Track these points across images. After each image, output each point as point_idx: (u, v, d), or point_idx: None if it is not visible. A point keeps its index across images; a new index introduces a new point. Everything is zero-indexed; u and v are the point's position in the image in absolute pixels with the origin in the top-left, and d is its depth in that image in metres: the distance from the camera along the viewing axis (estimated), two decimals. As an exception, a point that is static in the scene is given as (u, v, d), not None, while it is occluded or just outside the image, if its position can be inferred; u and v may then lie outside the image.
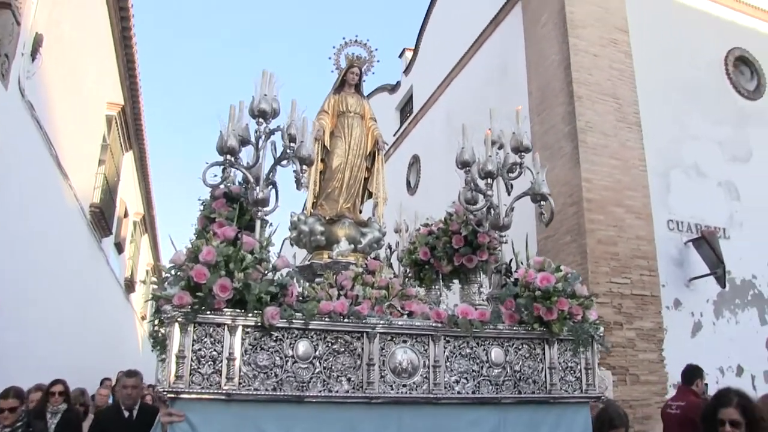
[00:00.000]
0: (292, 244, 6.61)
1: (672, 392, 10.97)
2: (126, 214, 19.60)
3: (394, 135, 22.33)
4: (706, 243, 12.57)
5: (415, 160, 20.57)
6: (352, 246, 6.49)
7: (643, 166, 12.85)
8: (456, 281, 6.57)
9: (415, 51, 22.17)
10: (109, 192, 16.28)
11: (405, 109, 22.58)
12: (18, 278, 9.71)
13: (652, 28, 14.12)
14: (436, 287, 6.52)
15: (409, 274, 6.77)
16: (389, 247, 7.51)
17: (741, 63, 15.31)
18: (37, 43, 9.36)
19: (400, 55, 24.71)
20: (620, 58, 13.43)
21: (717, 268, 12.36)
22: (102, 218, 15.32)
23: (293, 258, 6.57)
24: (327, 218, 6.74)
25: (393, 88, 23.79)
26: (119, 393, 8.57)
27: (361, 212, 7.22)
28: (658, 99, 13.63)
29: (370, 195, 7.30)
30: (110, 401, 10.30)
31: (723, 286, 12.59)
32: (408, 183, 20.57)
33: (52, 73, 10.26)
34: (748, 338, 13.04)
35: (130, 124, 17.78)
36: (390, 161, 21.22)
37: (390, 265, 7.13)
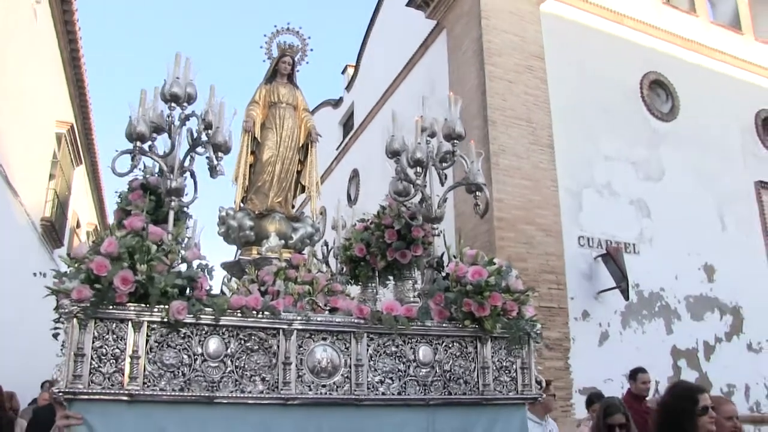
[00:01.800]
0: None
1: (577, 397, 12.84)
2: (78, 225, 21.11)
3: (337, 149, 23.87)
4: (612, 259, 14.00)
5: (355, 174, 21.72)
6: (283, 242, 6.71)
7: (554, 186, 14.26)
8: (392, 278, 6.70)
9: (356, 68, 23.49)
10: (60, 205, 17.74)
11: (347, 123, 23.82)
12: None
13: (568, 54, 15.57)
14: (372, 284, 6.64)
15: (345, 272, 6.91)
16: (326, 244, 7.64)
17: (657, 86, 16.68)
18: None
19: (343, 71, 26.32)
20: (535, 84, 14.84)
21: (621, 282, 13.76)
22: (53, 230, 16.61)
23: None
24: (257, 213, 6.96)
25: (336, 103, 25.27)
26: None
27: (293, 207, 7.43)
28: (573, 122, 15.08)
29: (304, 189, 7.50)
30: None
31: (626, 298, 13.99)
32: (348, 196, 21.72)
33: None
34: (655, 346, 14.53)
35: (80, 140, 19.33)
36: (333, 175, 23.56)
37: (327, 263, 7.29)
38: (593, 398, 9.48)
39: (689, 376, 14.45)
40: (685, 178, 16.18)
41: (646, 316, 14.77)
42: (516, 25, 15.00)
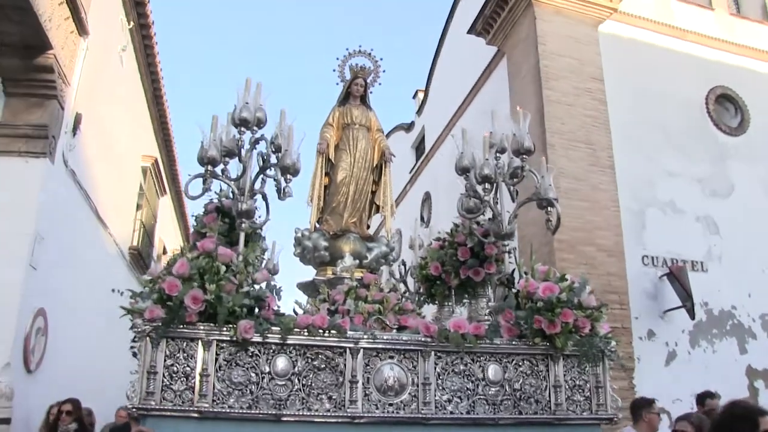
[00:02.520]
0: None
1: None
2: (165, 251, 21.20)
3: (410, 172, 23.35)
4: (675, 278, 13.35)
5: (427, 197, 21.31)
6: (357, 261, 6.49)
7: (616, 206, 13.60)
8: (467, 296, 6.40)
9: (426, 93, 23.08)
10: (147, 234, 18.25)
11: (419, 147, 23.38)
12: (67, 316, 11.13)
13: (628, 73, 14.91)
14: (449, 303, 6.38)
15: (421, 291, 6.67)
16: (404, 263, 7.38)
17: (724, 100, 15.79)
18: (77, 121, 10.91)
19: (414, 96, 26.03)
20: (594, 105, 14.22)
21: (686, 301, 13.01)
22: (140, 258, 16.78)
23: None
24: (332, 233, 6.77)
25: (408, 127, 24.81)
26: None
27: (368, 227, 7.22)
28: (634, 141, 14.39)
29: (378, 209, 7.30)
30: None
31: (692, 318, 13.16)
32: (422, 218, 21.17)
33: (90, 141, 11.90)
34: (726, 366, 13.55)
35: (165, 171, 19.92)
36: (407, 197, 23.15)
37: (404, 282, 7.06)
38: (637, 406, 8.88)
39: (737, 398, 13.44)
40: (756, 193, 15.40)
41: (717, 335, 13.88)
42: (573, 48, 14.57)
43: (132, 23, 14.22)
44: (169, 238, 22.39)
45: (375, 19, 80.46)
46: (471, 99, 17.61)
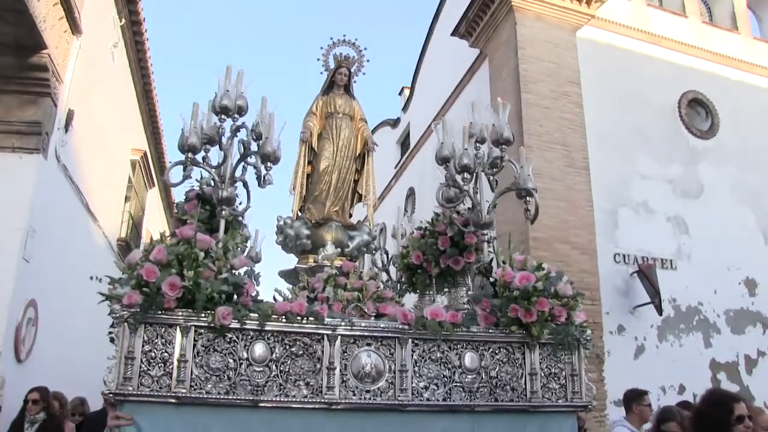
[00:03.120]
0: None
1: (611, 408, 12.34)
2: (152, 240, 20.97)
3: (395, 167, 23.54)
4: (644, 275, 13.72)
5: (411, 192, 21.47)
6: (339, 250, 6.35)
7: (590, 206, 13.92)
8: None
9: (412, 90, 23.23)
10: (135, 226, 18.39)
11: (405, 143, 23.51)
12: (57, 307, 11.29)
13: (604, 77, 15.18)
14: (430, 292, 6.21)
15: (403, 279, 6.50)
16: (386, 252, 7.21)
17: (696, 104, 16.10)
18: (70, 117, 11.02)
19: (400, 93, 26.21)
20: (571, 109, 14.49)
21: (654, 297, 13.38)
22: (128, 249, 16.57)
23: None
24: (314, 222, 6.60)
25: (394, 123, 24.98)
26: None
27: (350, 216, 7.05)
28: (609, 143, 14.69)
29: (361, 198, 7.14)
30: None
31: (660, 313, 13.50)
32: (406, 213, 20.79)
33: (82, 136, 12.00)
34: (692, 359, 14.00)
35: (153, 164, 20.13)
36: (392, 192, 23.17)
37: (387, 271, 6.90)
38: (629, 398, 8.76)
39: (729, 388, 13.49)
40: (725, 194, 15.65)
41: (684, 330, 14.23)
42: (552, 52, 14.72)
43: (123, 20, 14.24)
44: (156, 229, 22.24)
45: (362, 15, 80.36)
46: (454, 98, 17.68)
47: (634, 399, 7.50)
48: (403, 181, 22.61)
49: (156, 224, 22.47)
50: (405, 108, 23.94)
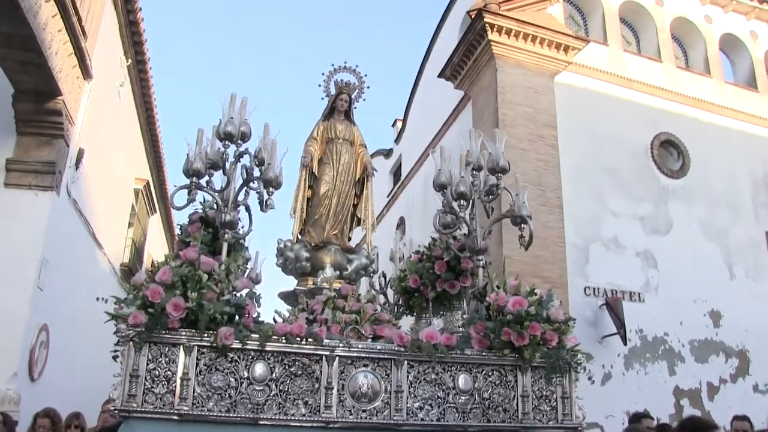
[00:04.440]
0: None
1: None
2: (153, 265, 20.87)
3: (387, 196, 23.07)
4: (611, 308, 13.53)
5: (402, 222, 21.09)
6: (338, 272, 6.14)
7: (561, 242, 13.61)
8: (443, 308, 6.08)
9: (404, 123, 22.82)
10: (137, 250, 18.24)
11: (397, 173, 23.03)
12: (66, 330, 11.28)
13: (580, 120, 14.87)
14: (426, 315, 6.05)
15: (400, 302, 6.37)
16: (384, 275, 7.01)
17: (668, 145, 15.86)
18: (80, 155, 11.07)
19: (393, 124, 25.69)
20: (547, 150, 14.21)
21: (620, 328, 13.19)
22: (130, 273, 16.32)
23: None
24: (313, 245, 6.39)
25: (387, 153, 24.48)
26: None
27: (349, 239, 6.86)
28: (582, 182, 14.43)
29: (360, 222, 6.94)
30: None
31: (625, 343, 13.31)
32: (402, 238, 20.70)
33: (90, 171, 12.03)
34: (657, 387, 13.69)
35: (155, 191, 19.89)
36: (384, 220, 22.36)
37: (384, 294, 6.75)
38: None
39: (692, 414, 13.54)
40: (693, 230, 15.42)
41: (649, 358, 13.95)
42: (530, 97, 14.47)
43: (130, 60, 14.20)
44: (157, 253, 22.07)
45: (358, 44, 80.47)
46: (441, 135, 17.47)
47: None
48: (395, 210, 22.26)
49: (157, 249, 22.48)
50: (397, 140, 23.64)
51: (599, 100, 15.29)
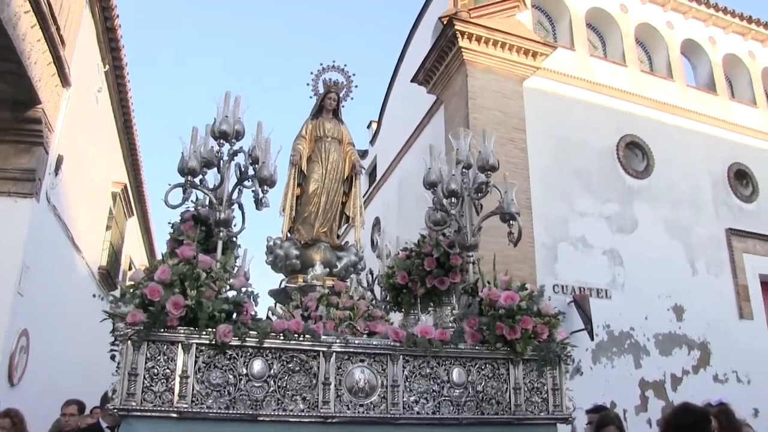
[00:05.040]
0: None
1: None
2: (131, 267, 20.95)
3: (363, 197, 22.31)
4: (578, 305, 13.62)
5: (377, 222, 20.89)
6: (327, 270, 6.05)
7: (531, 242, 13.59)
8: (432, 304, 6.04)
9: (379, 125, 22.72)
10: (115, 253, 18.06)
11: (372, 174, 22.87)
12: (45, 334, 11.25)
13: (548, 123, 14.91)
14: (414, 311, 5.98)
15: (388, 299, 6.26)
16: (371, 272, 6.92)
17: (633, 147, 15.96)
18: (59, 162, 11.02)
19: (368, 126, 25.38)
20: (516, 153, 14.17)
21: (587, 324, 13.29)
22: (108, 276, 16.70)
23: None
24: (303, 242, 6.29)
25: (363, 154, 23.93)
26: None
27: (338, 237, 6.77)
28: (550, 184, 14.46)
29: (348, 219, 6.85)
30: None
31: (592, 339, 13.37)
32: (372, 242, 20.63)
33: (69, 177, 11.96)
34: (623, 379, 13.82)
35: (132, 194, 19.77)
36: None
37: (371, 290, 6.65)
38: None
39: (656, 404, 13.69)
40: (657, 228, 15.52)
41: (616, 352, 14.01)
42: (500, 102, 14.42)
43: (107, 66, 14.08)
44: (135, 254, 22.33)
45: (332, 48, 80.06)
46: (414, 138, 17.47)
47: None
48: (371, 211, 21.67)
49: (135, 251, 22.38)
50: (372, 141, 23.50)
51: (567, 103, 15.34)
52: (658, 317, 14.69)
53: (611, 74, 16.22)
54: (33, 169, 9.79)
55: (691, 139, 16.59)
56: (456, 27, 14.01)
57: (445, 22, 14.36)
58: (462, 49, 14.24)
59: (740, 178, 17.01)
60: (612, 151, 15.49)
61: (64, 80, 10.65)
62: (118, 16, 13.35)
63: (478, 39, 14.26)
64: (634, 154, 15.98)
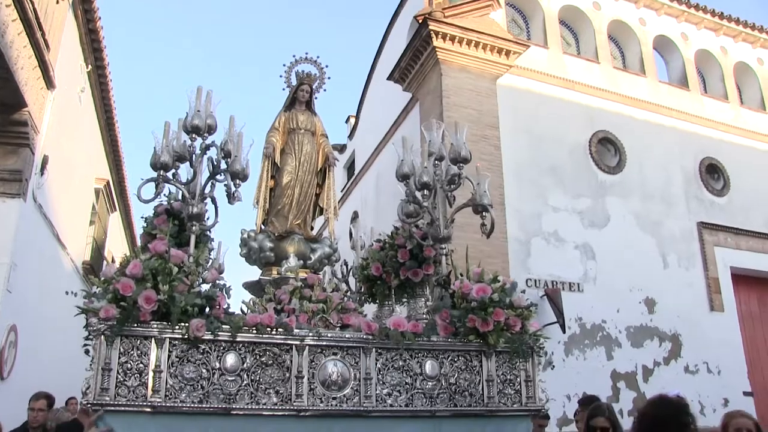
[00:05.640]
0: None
1: None
2: (113, 261, 20.83)
3: (341, 191, 22.50)
4: (550, 298, 13.68)
5: (356, 216, 20.80)
6: (302, 262, 5.96)
7: (504, 237, 13.56)
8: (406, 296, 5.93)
9: (357, 120, 22.59)
10: (98, 248, 18.15)
11: (351, 168, 22.77)
12: (33, 329, 11.43)
13: (521, 120, 14.93)
14: (389, 303, 5.88)
15: (363, 290, 6.18)
16: (345, 263, 6.82)
17: (606, 142, 15.96)
18: (45, 162, 11.08)
19: (347, 121, 25.06)
20: (489, 150, 14.13)
21: (559, 317, 13.35)
22: (92, 271, 16.39)
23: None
24: (277, 235, 6.20)
25: (341, 149, 23.94)
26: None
27: (312, 228, 6.67)
28: (523, 180, 14.48)
29: (322, 211, 6.75)
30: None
31: (564, 332, 13.44)
32: (350, 234, 20.40)
33: (54, 175, 12.03)
34: (595, 371, 13.87)
35: (115, 190, 19.79)
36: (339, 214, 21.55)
37: (346, 282, 6.57)
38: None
39: (627, 395, 13.82)
40: (629, 223, 15.56)
41: (588, 345, 14.05)
42: (474, 100, 14.40)
43: (90, 66, 14.06)
44: (117, 248, 22.19)
45: (310, 42, 79.41)
46: (391, 134, 17.37)
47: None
48: (349, 205, 21.69)
49: (117, 245, 22.41)
50: (351, 135, 23.25)
51: (540, 100, 15.32)
52: (630, 310, 14.75)
53: (584, 71, 16.22)
54: (20, 170, 9.86)
55: (663, 134, 16.64)
56: (430, 27, 14.01)
57: (420, 21, 14.29)
58: (436, 49, 14.22)
59: (712, 172, 17.03)
60: (585, 146, 15.50)
61: (49, 83, 10.72)
62: (100, 18, 13.36)
63: (452, 38, 14.26)
64: (607, 149, 15.98)
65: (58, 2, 10.82)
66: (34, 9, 9.20)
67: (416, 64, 15.02)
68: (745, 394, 14.99)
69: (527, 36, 16.40)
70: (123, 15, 64.17)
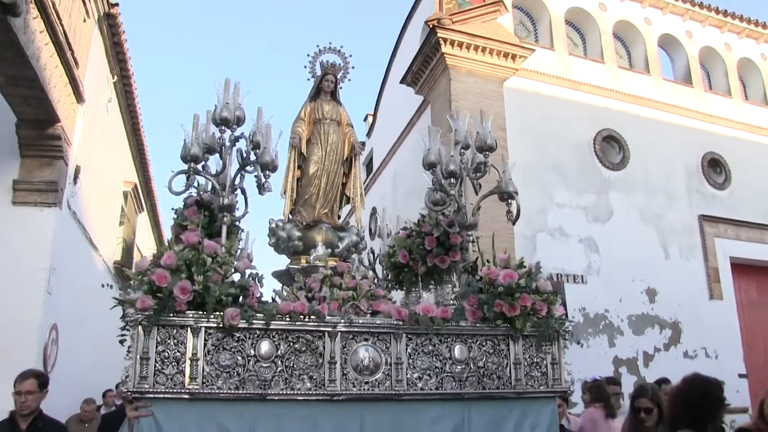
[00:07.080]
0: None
1: None
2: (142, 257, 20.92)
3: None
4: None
5: (374, 212, 20.56)
6: (330, 250, 5.79)
7: (511, 233, 13.38)
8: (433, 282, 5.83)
9: (374, 119, 22.41)
10: (127, 248, 18.44)
11: (369, 165, 22.42)
12: (71, 327, 11.55)
13: (528, 121, 14.78)
14: (415, 289, 5.77)
15: (390, 277, 6.02)
16: (372, 251, 6.67)
17: (610, 140, 15.83)
18: (77, 171, 11.37)
19: (365, 119, 24.80)
20: (497, 151, 13.74)
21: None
22: (123, 271, 16.19)
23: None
24: (304, 224, 6.03)
25: (361, 146, 23.45)
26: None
27: (339, 217, 6.49)
28: (530, 178, 14.18)
29: (348, 200, 6.58)
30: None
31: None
32: (370, 231, 20.41)
33: (86, 183, 12.29)
34: (598, 357, 13.83)
35: (142, 191, 20.02)
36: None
37: (373, 269, 6.43)
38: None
39: (628, 380, 13.38)
40: (631, 217, 15.46)
41: (591, 333, 14.05)
42: (482, 103, 13.83)
43: (115, 77, 14.20)
44: (145, 247, 22.26)
45: (331, 39, 79.47)
46: (407, 134, 17.30)
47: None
48: (368, 201, 21.30)
49: (145, 244, 22.53)
50: (369, 134, 22.99)
51: (546, 101, 15.19)
52: (632, 300, 14.68)
53: (590, 71, 16.09)
54: (55, 181, 10.17)
55: (667, 130, 16.47)
56: (438, 35, 13.94)
57: (430, 26, 14.21)
58: (445, 55, 14.11)
59: (714, 166, 16.88)
60: (589, 144, 15.38)
61: (79, 97, 10.95)
62: (124, 31, 13.48)
63: (460, 44, 14.15)
64: (611, 146, 15.84)
65: (85, 21, 11.02)
66: (65, 31, 9.42)
67: (427, 68, 14.95)
68: (740, 376, 14.99)
69: (535, 38, 16.29)
70: (145, 20, 64.46)
